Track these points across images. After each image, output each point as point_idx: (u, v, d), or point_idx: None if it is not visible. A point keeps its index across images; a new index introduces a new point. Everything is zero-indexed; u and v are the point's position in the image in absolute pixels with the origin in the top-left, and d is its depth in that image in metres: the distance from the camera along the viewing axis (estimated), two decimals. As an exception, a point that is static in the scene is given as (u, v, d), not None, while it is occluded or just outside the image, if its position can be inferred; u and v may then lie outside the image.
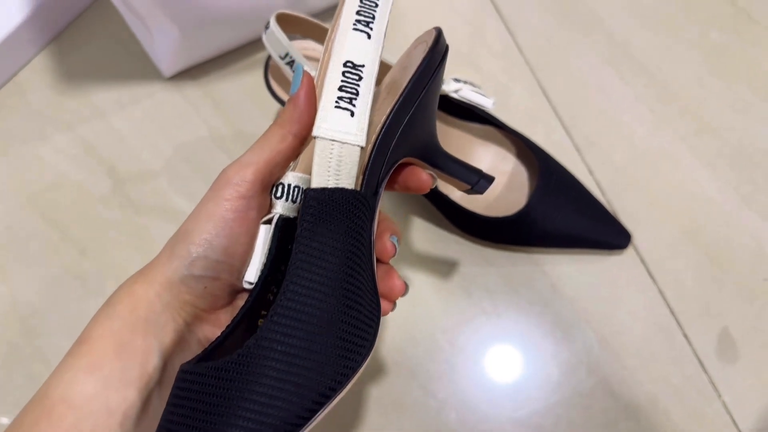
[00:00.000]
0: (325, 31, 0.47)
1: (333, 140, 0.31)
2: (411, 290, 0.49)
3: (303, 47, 0.51)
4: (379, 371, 0.51)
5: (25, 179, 0.57)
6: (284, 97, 0.51)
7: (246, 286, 0.33)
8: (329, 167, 0.31)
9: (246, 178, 0.32)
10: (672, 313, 0.53)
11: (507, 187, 0.54)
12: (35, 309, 0.53)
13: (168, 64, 0.58)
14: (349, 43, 0.32)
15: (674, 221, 0.56)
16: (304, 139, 0.34)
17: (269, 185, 0.33)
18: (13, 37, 0.58)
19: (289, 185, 0.33)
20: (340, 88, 0.32)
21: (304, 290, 0.29)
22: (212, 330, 0.34)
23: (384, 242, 0.36)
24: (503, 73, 0.62)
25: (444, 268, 0.54)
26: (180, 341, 0.32)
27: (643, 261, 0.54)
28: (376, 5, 0.34)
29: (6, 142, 0.58)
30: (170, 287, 0.32)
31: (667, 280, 0.54)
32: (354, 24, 0.33)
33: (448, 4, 0.65)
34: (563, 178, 0.53)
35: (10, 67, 0.60)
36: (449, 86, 0.50)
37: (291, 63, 0.45)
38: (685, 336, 0.52)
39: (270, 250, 0.32)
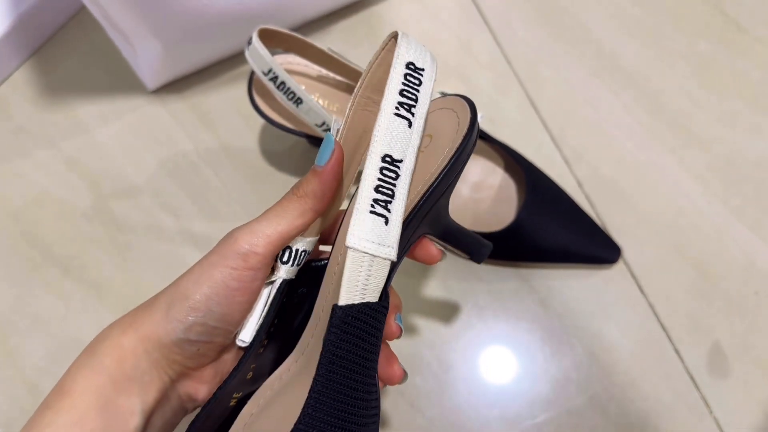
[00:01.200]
0: (307, 45, 0.46)
1: (365, 253, 0.29)
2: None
3: (286, 62, 0.50)
4: (366, 390, 0.50)
5: (6, 196, 0.56)
6: (269, 112, 0.50)
7: (240, 344, 0.33)
8: (358, 282, 0.29)
9: (257, 250, 0.31)
10: (663, 328, 0.52)
11: (495, 201, 0.54)
12: (16, 329, 0.52)
13: (151, 78, 0.58)
14: (390, 133, 0.30)
15: (664, 235, 0.55)
16: (323, 214, 0.33)
17: (275, 254, 0.32)
18: (-8, 52, 0.57)
19: (296, 250, 0.32)
20: (377, 189, 0.29)
21: (319, 412, 0.29)
22: (194, 385, 0.33)
23: (390, 324, 0.34)
24: (492, 85, 0.61)
25: (432, 283, 0.54)
26: (162, 398, 0.32)
27: (633, 275, 0.54)
28: (420, 83, 0.31)
29: (-14, 158, 0.58)
30: (161, 346, 0.31)
31: (657, 294, 0.53)
32: (396, 108, 0.30)
33: (435, 16, 0.64)
34: (552, 191, 0.53)
35: (-10, 81, 0.59)
36: (436, 100, 0.50)
37: (274, 79, 0.44)
38: (676, 351, 0.51)
39: (269, 312, 0.32)
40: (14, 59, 0.60)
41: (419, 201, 0.32)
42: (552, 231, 0.51)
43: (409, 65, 0.31)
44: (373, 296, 0.30)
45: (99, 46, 0.61)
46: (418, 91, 0.31)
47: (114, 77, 0.61)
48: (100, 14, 0.52)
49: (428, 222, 0.34)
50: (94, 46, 0.62)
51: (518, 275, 0.54)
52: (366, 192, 0.29)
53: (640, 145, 0.58)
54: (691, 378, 0.51)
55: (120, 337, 0.31)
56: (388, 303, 0.32)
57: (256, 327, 0.32)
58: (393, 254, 0.30)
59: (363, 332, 0.30)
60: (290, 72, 0.50)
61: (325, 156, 0.31)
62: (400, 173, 0.30)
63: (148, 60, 0.55)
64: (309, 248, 0.33)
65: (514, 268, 0.54)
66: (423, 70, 0.32)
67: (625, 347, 0.52)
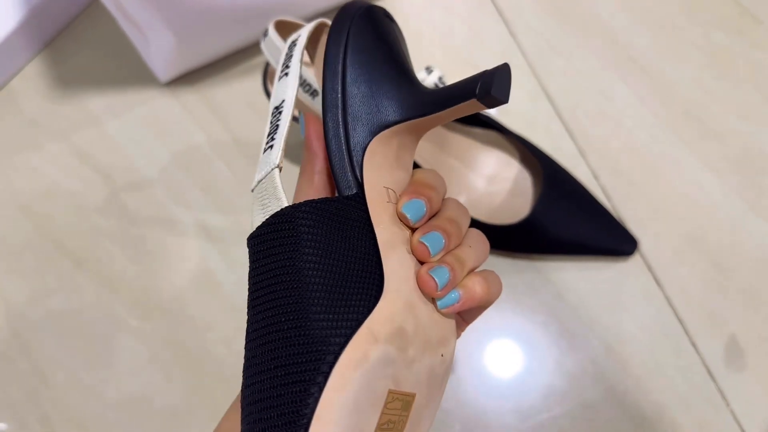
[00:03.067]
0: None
1: (259, 181, 0.31)
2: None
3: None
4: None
5: (19, 189, 0.56)
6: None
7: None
8: (257, 204, 0.30)
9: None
10: (679, 320, 0.52)
11: (511, 194, 0.53)
12: (29, 322, 0.52)
13: (164, 70, 0.57)
14: (275, 93, 0.34)
15: (680, 227, 0.55)
16: (328, 171, 0.33)
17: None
18: (4, 45, 0.56)
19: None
20: (268, 134, 0.32)
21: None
22: None
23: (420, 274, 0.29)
24: (505, 76, 0.61)
25: (446, 276, 0.53)
26: None
27: (649, 268, 0.53)
28: (291, 56, 0.35)
29: (-1, 151, 0.57)
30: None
31: (673, 287, 0.53)
32: (279, 76, 0.35)
33: (448, 6, 0.64)
34: (568, 184, 0.53)
35: (1, 74, 0.59)
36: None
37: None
38: (693, 344, 0.51)
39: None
40: (26, 52, 0.60)
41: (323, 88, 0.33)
42: (568, 223, 0.51)
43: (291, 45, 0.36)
44: (276, 206, 0.29)
45: (111, 38, 0.61)
46: (291, 54, 0.35)
47: (126, 70, 0.60)
48: (113, 6, 0.51)
49: (364, 120, 0.32)
50: (105, 39, 0.61)
51: (534, 268, 0.53)
52: (263, 142, 0.32)
53: (655, 137, 0.58)
54: (708, 370, 0.50)
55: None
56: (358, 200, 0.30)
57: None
58: (275, 162, 0.31)
59: (278, 248, 0.28)
60: (305, 64, 0.50)
61: (302, 128, 0.34)
62: (283, 109, 0.32)
63: (161, 52, 0.55)
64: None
65: (530, 261, 0.54)
66: (294, 44, 0.36)
67: (641, 340, 0.51)
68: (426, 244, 0.29)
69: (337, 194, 0.31)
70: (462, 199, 0.53)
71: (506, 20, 0.63)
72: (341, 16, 0.34)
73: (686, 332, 0.51)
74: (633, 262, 0.53)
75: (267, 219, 0.29)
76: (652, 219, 0.55)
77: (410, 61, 0.37)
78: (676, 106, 0.59)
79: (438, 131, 0.53)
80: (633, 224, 0.54)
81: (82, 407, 0.50)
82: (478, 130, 0.54)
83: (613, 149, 0.57)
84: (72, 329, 0.52)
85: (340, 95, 0.32)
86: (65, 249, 0.54)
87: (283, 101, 0.33)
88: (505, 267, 0.53)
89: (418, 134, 0.34)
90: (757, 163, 0.57)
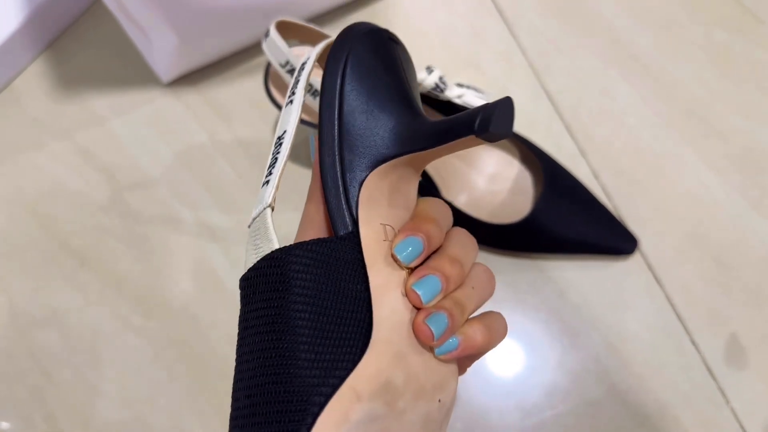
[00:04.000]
0: (324, 37, 0.46)
1: (254, 218, 0.29)
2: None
3: (302, 53, 0.50)
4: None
5: (23, 188, 0.56)
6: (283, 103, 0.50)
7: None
8: (251, 244, 0.29)
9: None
10: (680, 319, 0.52)
11: (512, 193, 0.53)
12: (34, 321, 0.52)
13: (166, 70, 0.58)
14: (280, 121, 0.32)
15: (681, 226, 0.55)
16: None
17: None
18: (7, 44, 0.57)
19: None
20: (268, 166, 0.31)
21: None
22: None
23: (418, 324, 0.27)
24: (506, 75, 0.61)
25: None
26: None
27: (650, 267, 0.53)
28: (297, 72, 0.34)
29: (2, 151, 0.58)
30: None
31: (674, 285, 0.53)
32: (285, 103, 0.33)
33: (449, 5, 0.64)
34: (569, 183, 0.53)
35: (5, 74, 0.59)
36: (452, 92, 0.49)
37: (292, 71, 0.44)
38: (693, 343, 0.51)
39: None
40: (29, 52, 0.60)
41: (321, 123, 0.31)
42: (569, 222, 0.51)
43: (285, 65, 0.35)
44: (268, 248, 0.28)
45: (113, 38, 0.61)
46: (298, 79, 0.33)
47: (128, 70, 0.61)
48: (115, 6, 0.52)
49: (360, 153, 0.31)
50: (108, 39, 0.62)
51: (535, 267, 0.54)
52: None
53: (657, 136, 0.58)
54: (709, 369, 0.51)
55: None
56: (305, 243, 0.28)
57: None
58: (267, 200, 0.29)
59: (267, 292, 0.27)
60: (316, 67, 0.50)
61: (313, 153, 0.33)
62: (283, 141, 0.30)
63: (163, 52, 0.55)
64: None
65: (532, 260, 0.54)
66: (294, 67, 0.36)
67: (642, 338, 0.52)
68: (418, 292, 0.27)
69: (253, 261, 0.29)
70: (463, 199, 0.53)
71: (507, 19, 0.63)
72: (340, 40, 0.32)
73: (687, 331, 0.52)
74: (634, 261, 0.54)
75: (257, 262, 0.28)
76: (653, 218, 0.55)
77: (415, 86, 0.35)
78: (678, 105, 0.59)
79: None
80: (634, 223, 0.55)
81: (87, 406, 0.50)
82: (479, 130, 0.54)
83: (614, 148, 0.58)
84: (76, 328, 0.52)
85: (336, 128, 0.31)
86: (69, 248, 0.54)
87: (285, 132, 0.31)
88: (507, 266, 0.54)
89: (418, 167, 0.32)
90: (759, 162, 0.57)
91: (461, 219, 0.51)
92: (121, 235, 0.55)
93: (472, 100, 0.50)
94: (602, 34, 0.62)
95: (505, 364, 0.51)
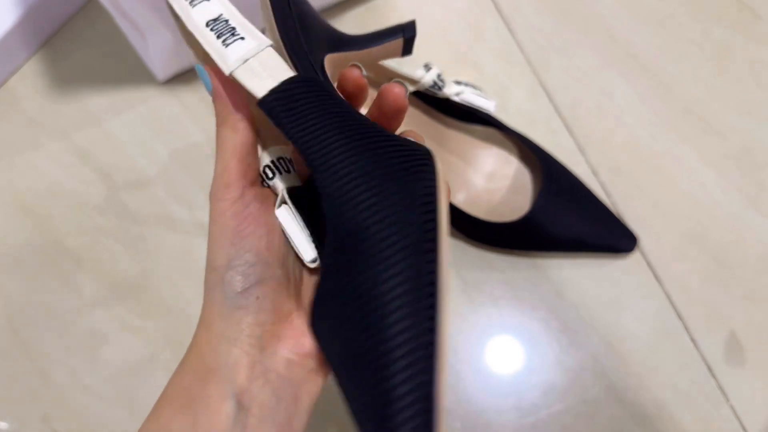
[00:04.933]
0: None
1: (246, 59, 0.31)
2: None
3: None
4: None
5: (19, 188, 0.56)
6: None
7: (313, 266, 0.33)
8: (261, 76, 0.31)
9: (228, 182, 0.31)
10: (679, 317, 0.52)
11: (510, 191, 0.53)
12: (29, 321, 0.52)
13: (162, 69, 0.57)
14: (198, 16, 0.33)
15: (680, 224, 0.55)
16: (250, 118, 0.33)
17: (254, 178, 0.33)
18: (2, 44, 0.56)
19: (272, 162, 0.33)
20: (218, 36, 0.32)
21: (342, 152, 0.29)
22: (294, 342, 0.31)
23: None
24: (504, 73, 0.61)
25: (446, 274, 0.53)
26: (258, 372, 0.30)
27: (649, 265, 0.53)
28: None
29: (-2, 151, 0.57)
30: (227, 320, 0.31)
31: (673, 283, 0.53)
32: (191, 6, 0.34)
33: (447, 2, 0.64)
34: (568, 180, 0.53)
35: (0, 73, 0.59)
36: (450, 89, 0.49)
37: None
38: (693, 340, 0.51)
39: (304, 222, 0.32)
40: (24, 51, 0.60)
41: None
42: (568, 220, 0.51)
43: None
44: (286, 75, 0.31)
45: (108, 37, 0.61)
46: None
47: (124, 68, 0.60)
48: (110, 4, 0.51)
49: (312, 38, 0.36)
50: (103, 38, 0.61)
51: (534, 265, 0.53)
52: (211, 46, 0.32)
53: (655, 134, 0.58)
54: (708, 367, 0.51)
55: (195, 338, 0.32)
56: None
57: (309, 239, 0.32)
58: (267, 41, 0.32)
59: (307, 96, 0.31)
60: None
61: (207, 83, 0.33)
62: (227, 18, 0.33)
63: (159, 51, 0.55)
64: (283, 153, 0.34)
65: (530, 258, 0.54)
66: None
67: (641, 336, 0.51)
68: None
69: (274, 83, 0.31)
70: (461, 197, 0.53)
71: (504, 17, 0.63)
72: None
73: (686, 328, 0.52)
74: (633, 259, 0.53)
75: (290, 78, 0.30)
76: (652, 216, 0.55)
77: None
78: (676, 103, 0.59)
79: (437, 128, 0.53)
80: (633, 221, 0.54)
81: (83, 406, 0.50)
82: (476, 128, 0.54)
83: (612, 146, 0.57)
84: (73, 328, 0.52)
85: (294, 14, 0.35)
86: (66, 248, 0.54)
87: (221, 14, 0.33)
88: (505, 264, 0.53)
89: (341, 67, 0.37)
90: (757, 160, 0.57)
91: (459, 216, 0.51)
92: (117, 235, 0.55)
93: (471, 97, 0.50)
94: (600, 31, 0.62)
95: (503, 362, 0.51)
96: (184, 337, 0.51)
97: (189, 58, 0.57)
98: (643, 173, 0.56)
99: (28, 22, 0.58)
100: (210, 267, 0.32)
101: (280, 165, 0.33)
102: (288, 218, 0.33)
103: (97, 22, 0.62)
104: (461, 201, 0.52)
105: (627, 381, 0.50)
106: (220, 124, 0.32)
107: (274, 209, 0.33)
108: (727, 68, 0.60)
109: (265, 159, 0.33)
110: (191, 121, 0.58)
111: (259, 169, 0.33)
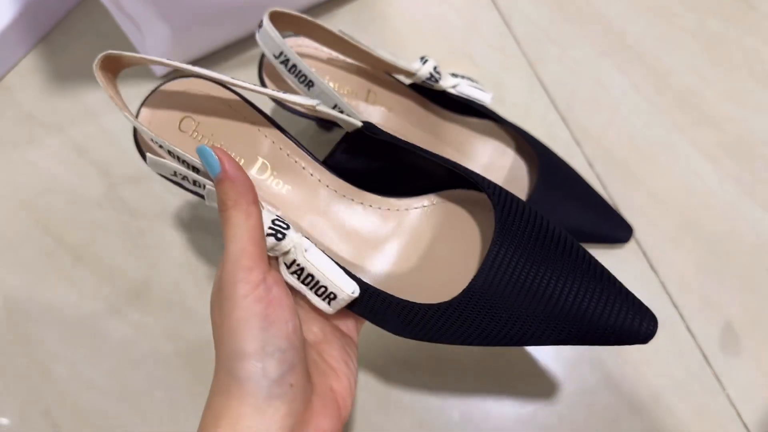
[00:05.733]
0: (318, 28, 0.46)
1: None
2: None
3: (296, 44, 0.50)
4: (378, 369, 0.50)
5: (17, 184, 0.56)
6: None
7: (354, 296, 0.36)
8: None
9: (248, 265, 0.31)
10: (675, 306, 0.52)
11: (507, 183, 0.53)
12: (29, 317, 0.52)
13: (159, 64, 0.57)
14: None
15: (675, 213, 0.55)
16: (257, 200, 0.33)
17: (269, 262, 0.33)
18: (0, 39, 0.56)
19: (272, 221, 0.34)
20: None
21: None
22: (315, 427, 0.32)
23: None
24: (500, 65, 0.61)
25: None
26: None
27: (644, 254, 0.54)
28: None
29: (-4, 147, 0.58)
30: (262, 413, 0.30)
31: (668, 273, 0.53)
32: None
33: (442, -4, 0.64)
34: (563, 172, 0.53)
35: (-2, 69, 0.59)
36: (447, 82, 0.49)
37: (286, 62, 0.44)
38: (689, 329, 0.52)
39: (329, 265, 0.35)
40: (21, 47, 0.60)
41: None
42: (564, 211, 0.51)
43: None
44: None
45: (106, 32, 0.61)
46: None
47: (121, 63, 0.60)
48: (107, -1, 0.52)
49: None
50: (100, 33, 0.61)
51: (530, 256, 0.54)
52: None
53: (650, 124, 0.58)
54: (704, 356, 0.51)
55: None
56: None
57: (343, 276, 0.36)
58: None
59: None
60: (301, 55, 0.50)
61: (214, 164, 0.33)
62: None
63: (157, 45, 0.55)
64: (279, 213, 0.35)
65: (526, 249, 0.54)
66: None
67: (637, 326, 0.52)
68: None
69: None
70: (458, 189, 0.53)
71: (500, 9, 0.63)
72: None
73: (682, 318, 0.52)
74: (628, 249, 0.54)
75: None
76: (648, 205, 0.55)
77: None
78: (671, 93, 0.59)
79: (433, 121, 0.53)
80: (628, 211, 0.55)
81: (84, 401, 0.50)
82: (473, 120, 0.54)
83: (608, 137, 0.58)
84: (72, 323, 0.52)
85: None
86: (65, 243, 0.54)
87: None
88: (502, 255, 0.54)
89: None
90: (752, 149, 0.57)
91: None
92: (115, 229, 0.55)
93: (467, 89, 0.50)
94: (595, 23, 0.62)
95: (499, 353, 0.51)
96: (183, 330, 0.51)
97: (187, 52, 0.58)
98: (638, 163, 0.57)
99: (25, 17, 0.58)
100: (237, 355, 0.30)
101: (281, 222, 0.35)
102: (321, 257, 0.35)
103: (95, 18, 0.62)
104: (458, 193, 0.53)
105: (623, 370, 0.51)
106: (230, 208, 0.32)
107: (286, 275, 0.35)
108: (722, 58, 0.61)
109: (266, 221, 0.34)
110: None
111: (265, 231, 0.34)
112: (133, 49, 0.59)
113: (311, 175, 0.43)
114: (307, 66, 0.44)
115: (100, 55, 0.37)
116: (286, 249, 0.34)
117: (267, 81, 0.50)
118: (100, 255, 0.54)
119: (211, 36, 0.57)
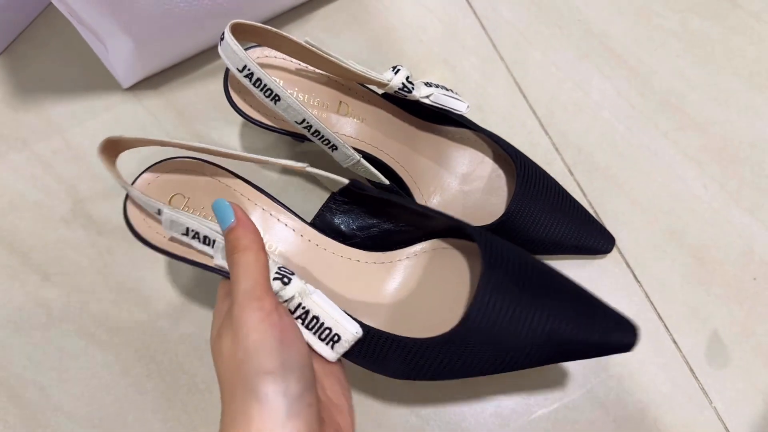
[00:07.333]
0: (283, 39, 0.44)
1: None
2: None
3: (263, 56, 0.48)
4: (360, 387, 0.49)
5: (-20, 202, 0.54)
6: (248, 109, 0.48)
7: (358, 336, 0.38)
8: None
9: (260, 296, 0.33)
10: (659, 317, 0.51)
11: (486, 193, 0.52)
12: (-5, 340, 0.50)
13: (125, 75, 0.55)
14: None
15: (659, 221, 0.54)
16: (265, 250, 0.36)
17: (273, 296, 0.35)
18: (-42, 53, 0.54)
19: (278, 269, 0.37)
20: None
21: None
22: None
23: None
24: (478, 71, 0.59)
25: (422, 279, 0.52)
26: None
27: (627, 264, 0.52)
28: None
29: (-42, 164, 0.56)
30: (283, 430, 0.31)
31: (653, 283, 0.52)
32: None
33: (420, 1, 0.62)
34: (543, 181, 0.51)
35: (-42, 83, 0.57)
36: (420, 91, 0.48)
37: (250, 75, 0.42)
38: (674, 341, 0.50)
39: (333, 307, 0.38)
40: (-18, 59, 0.58)
41: None
42: (544, 222, 0.50)
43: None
44: None
45: (70, 43, 0.59)
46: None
47: (87, 75, 0.58)
48: (67, 11, 0.49)
49: None
50: (65, 44, 0.59)
51: (511, 268, 0.52)
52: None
53: (633, 128, 0.57)
54: (690, 368, 0.50)
55: None
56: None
57: (344, 317, 0.37)
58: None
59: None
60: (268, 66, 0.48)
61: (229, 213, 0.36)
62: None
63: (120, 57, 0.53)
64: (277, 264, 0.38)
65: (507, 261, 0.52)
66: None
67: (621, 338, 0.50)
68: None
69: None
70: (436, 200, 0.51)
71: (478, 13, 0.61)
72: None
73: (667, 329, 0.51)
74: (611, 259, 0.52)
75: None
76: (630, 213, 0.54)
77: None
78: (654, 97, 0.58)
79: (408, 131, 0.52)
80: (610, 219, 0.53)
81: (54, 425, 0.48)
82: (449, 129, 0.52)
83: (589, 142, 0.56)
84: (42, 345, 0.50)
85: None
86: (32, 262, 0.53)
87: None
88: (482, 268, 0.52)
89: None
90: (737, 153, 0.56)
91: None
92: (84, 247, 0.53)
93: (442, 99, 0.49)
94: (575, 25, 0.61)
95: (482, 369, 0.50)
96: (154, 352, 0.50)
97: (153, 63, 0.56)
98: (620, 169, 0.55)
99: (-15, 29, 0.56)
100: (259, 372, 0.31)
101: (284, 271, 0.37)
102: (325, 299, 0.37)
103: (59, 28, 0.60)
104: (435, 204, 0.51)
105: (608, 384, 0.49)
106: (243, 250, 0.35)
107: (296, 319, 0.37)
108: (706, 58, 0.59)
109: (272, 267, 0.36)
110: (158, 127, 0.57)
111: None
112: (98, 61, 0.57)
113: (301, 236, 0.46)
114: (272, 80, 0.42)
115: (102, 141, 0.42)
116: (290, 294, 0.36)
117: (233, 93, 0.48)
118: (69, 274, 0.52)
119: (175, 47, 0.55)
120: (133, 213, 0.45)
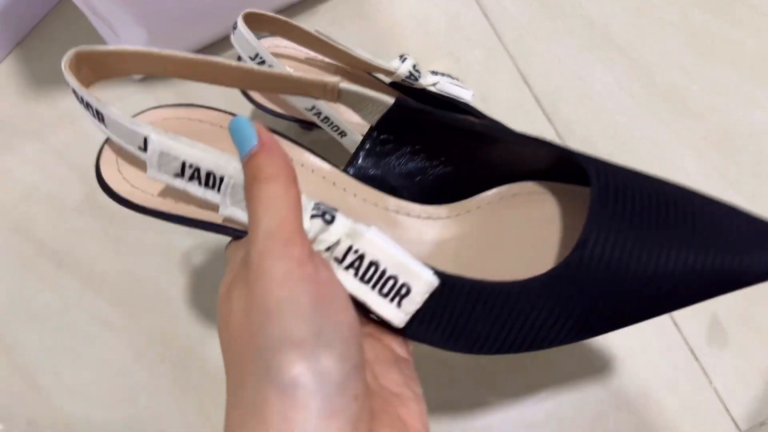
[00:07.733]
0: (294, 28, 0.45)
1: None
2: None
3: (273, 45, 0.50)
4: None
5: (-5, 192, 0.56)
6: (257, 97, 0.49)
7: (435, 285, 0.27)
8: None
9: (289, 239, 0.23)
10: (661, 301, 0.52)
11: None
12: (11, 326, 0.51)
13: (137, 67, 0.56)
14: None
15: (660, 208, 0.55)
16: (297, 182, 0.26)
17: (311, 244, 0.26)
18: (-26, 45, 0.56)
19: (316, 205, 0.27)
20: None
21: None
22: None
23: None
24: (482, 62, 0.60)
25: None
26: None
27: (630, 250, 0.53)
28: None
29: (-27, 154, 0.57)
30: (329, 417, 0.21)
31: (655, 268, 0.53)
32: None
33: (423, -8, 0.63)
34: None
35: (-27, 75, 0.58)
36: (426, 80, 0.49)
37: (262, 63, 0.43)
38: (675, 324, 0.51)
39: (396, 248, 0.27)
40: (-3, 52, 0.59)
41: None
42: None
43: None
44: None
45: (82, 36, 0.60)
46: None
47: (99, 67, 0.59)
48: (82, 3, 0.51)
49: None
50: (77, 37, 0.61)
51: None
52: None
53: (634, 119, 0.58)
54: (690, 350, 0.51)
55: None
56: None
57: (413, 260, 0.27)
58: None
59: None
60: (278, 55, 0.50)
61: (250, 135, 0.27)
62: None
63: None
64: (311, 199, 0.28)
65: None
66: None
67: (624, 322, 0.51)
68: None
69: None
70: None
71: (482, 5, 0.63)
72: None
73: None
74: (614, 245, 0.53)
75: None
76: (633, 201, 0.55)
77: None
78: (656, 88, 0.59)
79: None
80: (614, 207, 0.54)
81: (68, 409, 0.49)
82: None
83: (592, 133, 0.57)
84: (56, 331, 0.51)
85: None
86: (46, 250, 0.54)
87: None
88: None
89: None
90: (737, 142, 0.57)
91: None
92: (96, 235, 0.54)
93: (448, 87, 0.50)
94: (577, 17, 0.62)
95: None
96: (167, 336, 0.51)
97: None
98: (622, 158, 0.56)
99: (0, 23, 0.57)
100: (280, 345, 0.21)
101: (325, 207, 0.27)
102: (384, 240, 0.27)
103: (70, 22, 0.61)
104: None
105: (610, 366, 0.50)
106: (268, 180, 0.25)
107: (341, 272, 0.27)
108: (706, 51, 0.60)
109: (307, 210, 0.27)
110: (169, 119, 0.58)
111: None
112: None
113: (333, 184, 0.36)
114: (284, 67, 0.43)
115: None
116: (336, 237, 0.27)
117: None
118: (82, 262, 0.53)
119: (188, 37, 0.56)
120: (108, 161, 0.36)
